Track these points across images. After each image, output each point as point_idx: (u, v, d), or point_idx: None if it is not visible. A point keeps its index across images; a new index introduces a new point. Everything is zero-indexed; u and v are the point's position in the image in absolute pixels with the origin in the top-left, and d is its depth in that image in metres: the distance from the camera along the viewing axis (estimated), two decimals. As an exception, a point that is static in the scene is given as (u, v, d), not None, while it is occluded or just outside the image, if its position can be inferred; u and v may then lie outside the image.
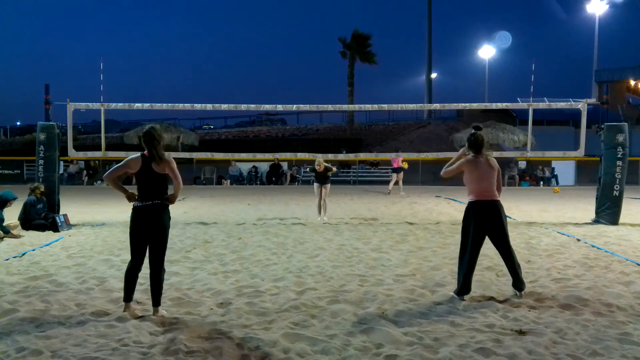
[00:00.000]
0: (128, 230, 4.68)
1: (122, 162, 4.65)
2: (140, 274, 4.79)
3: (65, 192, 14.86)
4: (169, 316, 4.65)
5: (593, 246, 7.92)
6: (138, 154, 4.68)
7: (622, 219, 10.36)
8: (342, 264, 6.77)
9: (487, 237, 5.26)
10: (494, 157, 5.39)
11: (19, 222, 9.24)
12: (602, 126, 10.62)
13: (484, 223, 5.14)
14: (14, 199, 8.92)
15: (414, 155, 16.64)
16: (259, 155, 18.44)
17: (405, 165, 18.20)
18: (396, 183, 18.35)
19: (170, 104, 11.92)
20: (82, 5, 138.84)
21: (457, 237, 5.40)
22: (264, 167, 24.67)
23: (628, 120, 24.31)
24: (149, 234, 4.61)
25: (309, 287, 5.60)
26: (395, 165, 18.26)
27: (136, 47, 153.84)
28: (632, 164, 13.62)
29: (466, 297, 5.20)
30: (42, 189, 9.80)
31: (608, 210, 10.32)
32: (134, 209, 4.64)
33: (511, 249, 5.25)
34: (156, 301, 4.68)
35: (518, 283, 5.27)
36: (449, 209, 13.44)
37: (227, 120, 55.35)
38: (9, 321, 4.44)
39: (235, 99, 72.29)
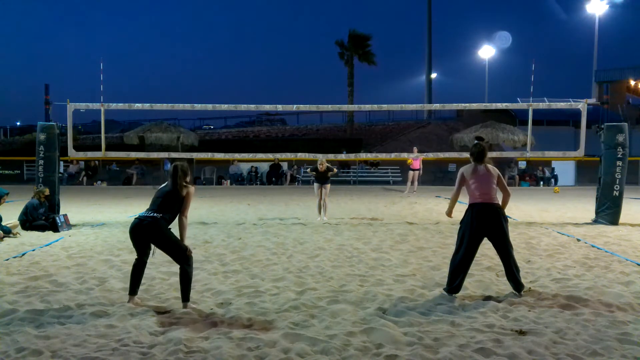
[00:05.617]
0: (128, 230, 4.83)
1: None
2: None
3: (65, 192, 14.87)
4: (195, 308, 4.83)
5: (593, 246, 7.92)
6: None
7: (622, 219, 10.36)
8: (342, 264, 6.78)
9: (486, 239, 5.28)
10: (494, 160, 5.42)
11: (18, 222, 9.24)
12: (602, 126, 10.62)
13: (483, 225, 5.15)
14: (6, 194, 8.96)
15: (413, 156, 16.60)
16: (259, 155, 18.37)
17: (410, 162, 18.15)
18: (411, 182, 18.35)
19: (170, 104, 11.92)
20: (82, 5, 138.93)
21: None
22: (264, 167, 24.67)
23: (628, 120, 24.32)
24: (150, 241, 4.89)
25: (309, 287, 5.60)
26: (416, 166, 17.99)
27: (136, 46, 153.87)
28: (632, 164, 13.63)
29: (465, 297, 5.20)
30: (47, 193, 9.80)
31: (608, 210, 10.32)
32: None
33: (511, 253, 5.24)
34: (183, 296, 4.89)
35: (517, 286, 5.28)
36: (449, 209, 13.41)
37: (227, 120, 55.07)
38: (9, 321, 4.44)
39: (235, 99, 72.21)
